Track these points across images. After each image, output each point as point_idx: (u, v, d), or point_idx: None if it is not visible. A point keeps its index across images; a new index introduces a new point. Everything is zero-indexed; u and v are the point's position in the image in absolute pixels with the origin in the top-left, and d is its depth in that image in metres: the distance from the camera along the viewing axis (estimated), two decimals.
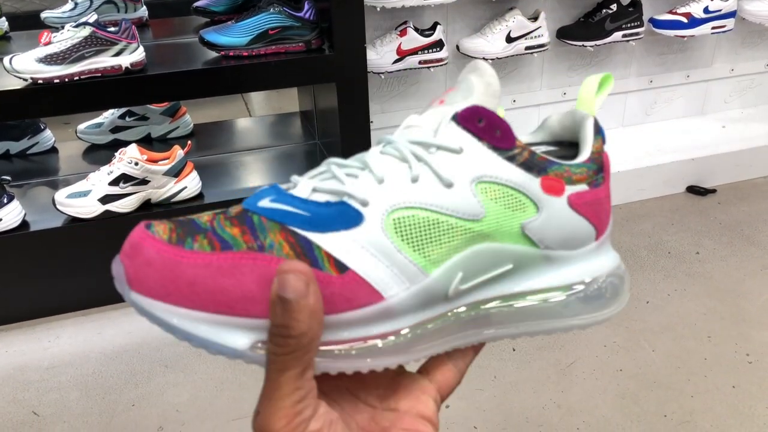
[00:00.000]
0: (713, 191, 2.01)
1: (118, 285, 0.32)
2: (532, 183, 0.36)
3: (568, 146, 0.43)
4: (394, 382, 0.37)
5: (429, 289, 0.34)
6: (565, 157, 0.40)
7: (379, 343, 0.33)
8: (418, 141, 0.36)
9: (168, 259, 0.31)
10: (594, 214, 0.39)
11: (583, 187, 0.38)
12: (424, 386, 0.37)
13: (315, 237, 0.32)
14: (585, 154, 0.39)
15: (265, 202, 0.34)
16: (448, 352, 0.38)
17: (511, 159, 0.36)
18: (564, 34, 1.89)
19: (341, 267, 0.32)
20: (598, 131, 0.41)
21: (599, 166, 0.39)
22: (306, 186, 0.35)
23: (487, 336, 0.39)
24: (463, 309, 0.36)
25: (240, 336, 0.31)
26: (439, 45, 1.72)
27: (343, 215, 0.33)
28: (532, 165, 0.36)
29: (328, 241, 0.32)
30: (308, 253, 0.32)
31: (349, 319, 0.32)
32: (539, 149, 0.42)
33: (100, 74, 1.37)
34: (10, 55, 1.33)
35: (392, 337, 0.34)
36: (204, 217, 0.34)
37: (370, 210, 0.33)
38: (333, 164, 0.36)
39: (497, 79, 0.37)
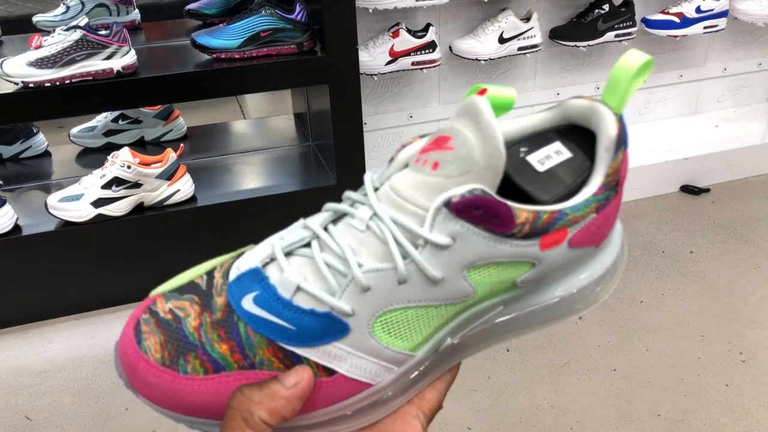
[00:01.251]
0: (707, 190, 2.02)
1: (126, 386, 0.35)
2: (529, 249, 0.34)
3: (584, 132, 0.38)
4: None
5: (418, 362, 0.36)
6: (579, 147, 0.37)
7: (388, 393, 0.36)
8: (406, 228, 0.33)
9: (166, 386, 0.33)
10: (600, 236, 0.36)
11: (588, 219, 0.35)
12: (405, 410, 0.37)
13: (303, 352, 0.34)
14: (596, 182, 0.35)
15: (249, 304, 0.34)
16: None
17: (510, 237, 0.33)
18: (557, 34, 1.89)
19: (330, 371, 0.34)
20: (621, 143, 0.35)
21: (614, 186, 0.36)
22: (289, 281, 0.34)
23: (476, 350, 0.39)
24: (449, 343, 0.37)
25: None
26: (431, 46, 1.72)
27: (329, 327, 0.33)
28: (533, 233, 0.33)
29: (315, 354, 0.34)
30: (298, 363, 0.34)
31: (339, 407, 0.35)
32: (549, 150, 0.37)
33: (91, 77, 1.37)
34: (1, 59, 1.33)
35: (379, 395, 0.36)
36: (191, 323, 0.34)
37: (356, 319, 0.33)
38: (314, 239, 0.35)
39: (497, 130, 0.32)
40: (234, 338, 0.34)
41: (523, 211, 0.33)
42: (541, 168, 0.36)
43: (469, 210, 0.32)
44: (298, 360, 0.33)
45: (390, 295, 0.33)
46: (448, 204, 0.32)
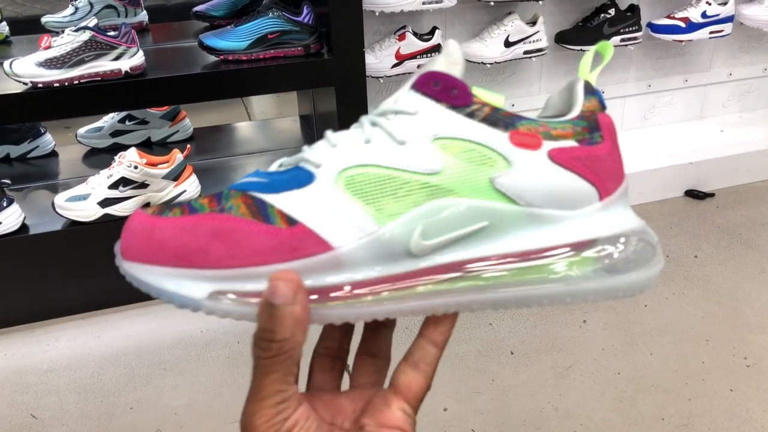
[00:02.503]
0: (711, 195, 2.02)
1: (117, 260, 0.36)
2: (498, 137, 0.36)
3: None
4: (365, 404, 0.38)
5: (383, 241, 0.34)
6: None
7: (368, 297, 0.35)
8: (378, 111, 0.37)
9: (145, 227, 0.35)
10: (590, 171, 0.37)
11: (569, 143, 0.37)
12: (389, 399, 0.37)
13: (269, 197, 0.35)
14: (573, 113, 0.39)
15: (240, 181, 0.37)
16: (408, 360, 0.38)
17: (470, 115, 0.36)
18: (562, 38, 1.89)
19: (291, 221, 0.34)
20: (591, 92, 0.40)
21: (591, 124, 0.38)
22: (277, 162, 0.38)
23: (483, 300, 0.36)
24: (447, 274, 0.35)
25: (198, 287, 0.34)
26: (437, 49, 1.73)
27: (296, 177, 0.36)
28: (495, 120, 0.36)
29: (280, 200, 0.35)
30: (262, 211, 0.35)
31: (296, 268, 0.34)
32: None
33: (99, 78, 1.38)
34: (11, 59, 1.34)
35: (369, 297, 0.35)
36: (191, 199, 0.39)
37: (322, 170, 0.35)
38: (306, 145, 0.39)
39: (460, 50, 0.37)
40: (216, 196, 0.37)
41: (480, 95, 0.37)
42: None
43: (429, 84, 0.36)
44: (263, 206, 0.35)
45: (356, 152, 0.35)
46: (413, 84, 0.37)
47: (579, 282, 0.37)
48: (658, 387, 1.31)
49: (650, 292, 1.58)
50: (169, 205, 0.37)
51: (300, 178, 0.35)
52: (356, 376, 0.40)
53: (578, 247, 0.37)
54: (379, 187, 0.34)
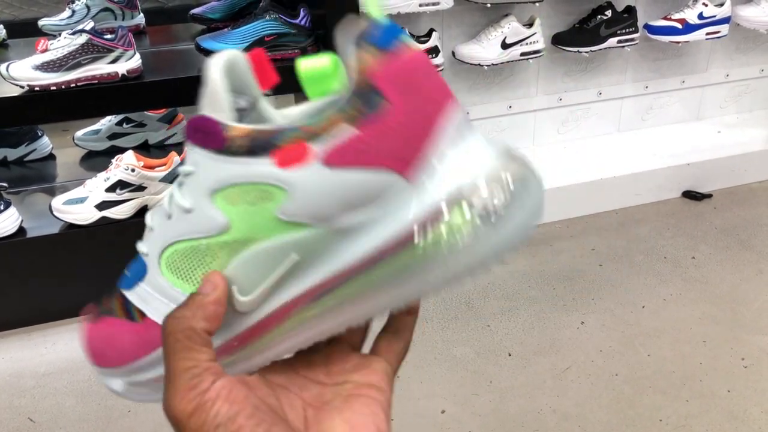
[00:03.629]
0: (709, 196, 2.02)
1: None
2: (262, 167, 0.31)
3: None
4: (342, 361, 0.38)
5: None
6: None
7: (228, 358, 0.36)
8: (179, 172, 0.35)
9: (83, 334, 0.39)
10: (384, 155, 0.30)
11: (342, 133, 0.30)
12: (369, 360, 0.38)
13: (128, 294, 0.37)
14: (336, 84, 0.31)
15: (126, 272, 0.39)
16: (388, 330, 0.39)
17: (232, 154, 0.31)
18: (559, 40, 1.90)
19: (142, 314, 0.36)
20: (365, 36, 0.30)
21: (365, 91, 0.29)
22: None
23: (358, 315, 0.34)
24: (291, 311, 0.34)
25: (116, 382, 0.38)
26: (434, 51, 1.73)
27: (139, 268, 0.36)
28: (254, 147, 0.31)
29: (133, 295, 0.36)
30: (128, 309, 0.37)
31: (155, 359, 0.36)
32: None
33: (96, 81, 1.38)
34: (7, 63, 1.34)
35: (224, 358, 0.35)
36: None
37: (148, 259, 0.36)
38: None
39: (218, 72, 0.32)
40: (116, 297, 0.38)
41: (235, 126, 0.32)
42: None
43: (194, 134, 0.33)
44: (128, 304, 0.36)
45: (164, 231, 0.35)
46: (186, 135, 0.34)
47: (440, 260, 0.31)
48: (656, 388, 1.31)
49: (648, 294, 1.58)
50: (105, 302, 0.39)
51: (139, 269, 0.36)
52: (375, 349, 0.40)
53: (419, 228, 0.31)
54: (190, 261, 0.34)
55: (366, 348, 0.40)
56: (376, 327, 0.39)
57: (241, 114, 0.35)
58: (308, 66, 0.33)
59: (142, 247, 0.36)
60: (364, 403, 0.35)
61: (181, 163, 0.39)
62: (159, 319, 0.35)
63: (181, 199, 0.34)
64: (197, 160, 0.33)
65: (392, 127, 0.30)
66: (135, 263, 0.37)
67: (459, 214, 0.30)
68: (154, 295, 0.35)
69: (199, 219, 0.33)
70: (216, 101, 0.32)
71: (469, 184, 0.30)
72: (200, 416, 0.30)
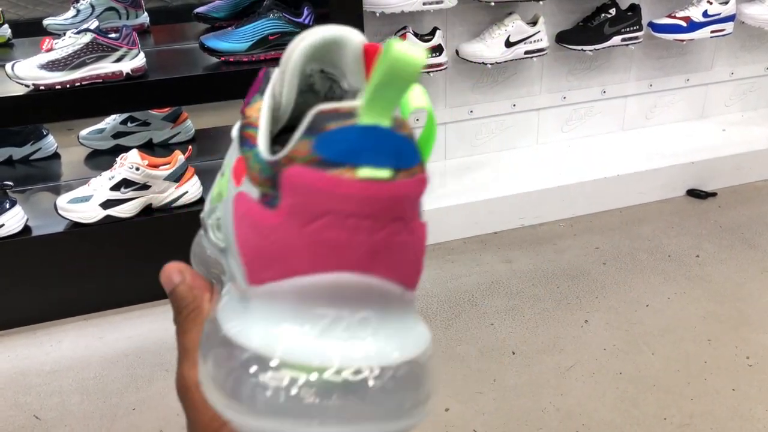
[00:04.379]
0: (713, 195, 2.01)
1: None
2: (233, 158, 0.29)
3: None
4: None
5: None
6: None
7: None
8: None
9: None
10: (248, 237, 0.25)
11: (251, 191, 0.25)
12: None
13: None
14: (282, 153, 0.24)
15: None
16: None
17: (241, 127, 0.29)
18: (563, 38, 1.89)
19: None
20: (311, 132, 0.23)
21: (274, 177, 0.24)
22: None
23: None
24: None
25: None
26: (438, 50, 1.73)
27: None
28: (241, 138, 0.28)
29: None
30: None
31: None
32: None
33: (101, 80, 1.38)
34: (13, 62, 1.34)
35: None
36: None
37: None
38: None
39: (310, 45, 0.28)
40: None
41: (256, 106, 0.29)
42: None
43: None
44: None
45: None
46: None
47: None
48: (660, 387, 1.31)
49: (652, 292, 1.58)
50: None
51: None
52: None
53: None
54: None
55: None
56: None
57: (342, 95, 0.31)
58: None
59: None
60: None
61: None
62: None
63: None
64: None
65: (265, 226, 0.24)
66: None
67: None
68: None
69: (229, 153, 0.32)
70: (290, 64, 0.28)
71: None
72: None
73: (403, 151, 0.23)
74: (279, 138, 0.29)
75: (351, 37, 0.28)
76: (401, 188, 0.23)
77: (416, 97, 0.26)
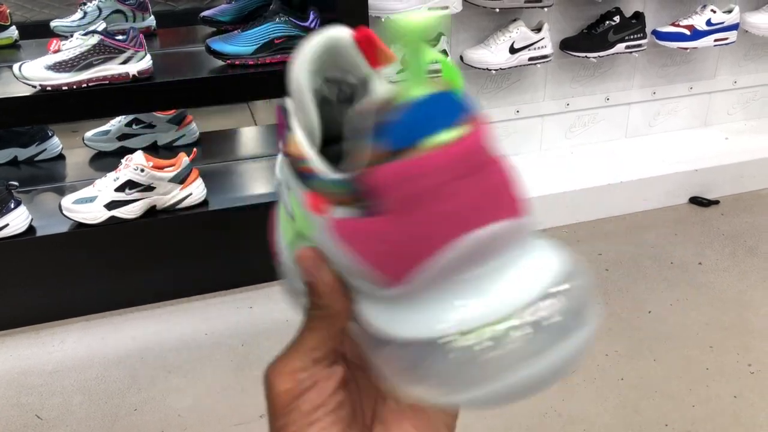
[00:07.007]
0: (716, 202, 2.01)
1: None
2: (300, 195, 0.30)
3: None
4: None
5: (283, 266, 0.36)
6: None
7: None
8: None
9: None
10: (369, 251, 0.26)
11: (352, 212, 0.27)
12: (431, 417, 0.38)
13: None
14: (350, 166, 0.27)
15: None
16: None
17: (289, 164, 0.30)
18: (567, 45, 1.90)
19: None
20: (384, 132, 0.25)
21: (361, 186, 0.26)
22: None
23: None
24: None
25: None
26: (443, 55, 1.73)
27: None
28: (298, 174, 0.29)
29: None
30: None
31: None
32: None
33: (107, 82, 1.39)
34: (20, 63, 1.35)
35: None
36: None
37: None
38: None
39: (310, 56, 0.30)
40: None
41: (293, 141, 0.29)
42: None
43: (278, 117, 0.31)
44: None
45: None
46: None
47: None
48: (662, 393, 1.31)
49: (655, 299, 1.58)
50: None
51: None
52: None
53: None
54: (281, 220, 0.35)
55: None
56: None
57: (353, 90, 0.32)
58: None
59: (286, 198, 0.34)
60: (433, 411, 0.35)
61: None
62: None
63: (277, 168, 0.33)
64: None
65: (381, 231, 0.26)
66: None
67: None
68: None
69: (285, 197, 0.32)
70: (298, 90, 0.30)
71: (472, 324, 0.25)
72: (291, 394, 0.31)
73: (455, 104, 0.25)
74: (325, 155, 0.30)
75: (339, 35, 0.30)
76: (476, 135, 0.25)
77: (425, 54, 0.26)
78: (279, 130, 0.31)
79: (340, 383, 0.32)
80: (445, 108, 0.24)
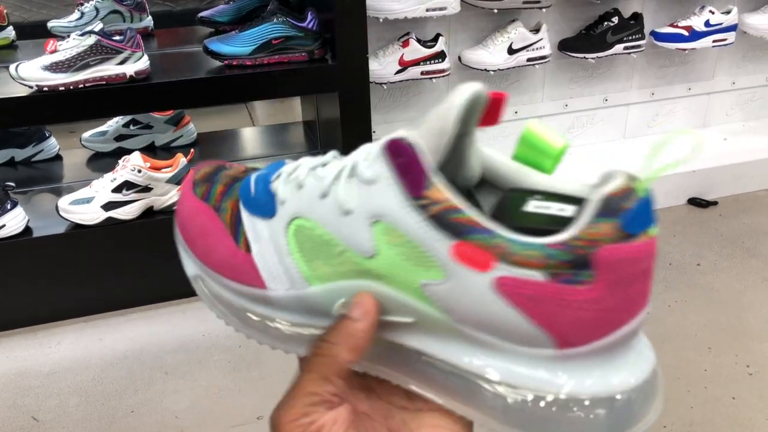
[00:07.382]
0: (714, 203, 2.01)
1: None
2: (439, 244, 0.30)
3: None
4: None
5: (308, 300, 0.35)
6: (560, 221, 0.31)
7: (279, 326, 0.37)
8: (348, 164, 0.34)
9: (181, 200, 0.42)
10: (545, 315, 0.30)
11: (531, 275, 0.29)
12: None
13: (244, 216, 0.37)
14: (562, 236, 0.29)
15: (256, 174, 0.39)
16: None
17: (419, 207, 0.31)
18: (565, 46, 1.90)
19: (248, 248, 0.36)
20: (612, 213, 0.29)
21: (580, 259, 0.29)
22: (286, 168, 0.38)
23: (405, 382, 0.35)
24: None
25: (190, 265, 0.40)
26: (441, 56, 1.73)
27: (266, 205, 0.37)
28: (445, 223, 0.30)
29: (248, 223, 0.37)
30: (236, 228, 0.37)
31: (233, 287, 0.38)
32: (556, 206, 0.32)
33: (104, 82, 1.39)
34: (17, 63, 1.35)
35: (278, 325, 0.37)
36: (231, 171, 0.42)
37: (282, 209, 0.36)
38: (332, 155, 0.38)
39: (458, 110, 0.31)
40: (227, 187, 0.39)
41: (439, 189, 0.30)
42: (528, 208, 0.32)
43: (395, 154, 0.31)
44: (239, 223, 0.37)
45: (311, 203, 0.35)
46: (385, 145, 0.32)
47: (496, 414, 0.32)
48: None
49: (653, 300, 1.57)
50: (208, 176, 0.40)
51: (268, 208, 0.36)
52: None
53: (511, 386, 0.32)
54: (318, 248, 0.34)
55: None
56: None
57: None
58: (538, 132, 0.35)
59: (281, 189, 0.36)
60: (447, 429, 0.35)
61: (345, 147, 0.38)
62: (261, 265, 0.36)
63: (345, 196, 0.33)
64: (381, 176, 0.32)
65: (578, 302, 0.29)
66: (264, 186, 0.37)
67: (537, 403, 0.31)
68: (269, 244, 0.36)
69: (350, 230, 0.33)
70: (440, 134, 0.31)
71: (571, 398, 0.31)
72: None
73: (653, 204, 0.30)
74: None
75: (482, 91, 0.32)
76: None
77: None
78: (408, 177, 0.31)
79: (348, 424, 0.33)
80: (653, 206, 0.30)
